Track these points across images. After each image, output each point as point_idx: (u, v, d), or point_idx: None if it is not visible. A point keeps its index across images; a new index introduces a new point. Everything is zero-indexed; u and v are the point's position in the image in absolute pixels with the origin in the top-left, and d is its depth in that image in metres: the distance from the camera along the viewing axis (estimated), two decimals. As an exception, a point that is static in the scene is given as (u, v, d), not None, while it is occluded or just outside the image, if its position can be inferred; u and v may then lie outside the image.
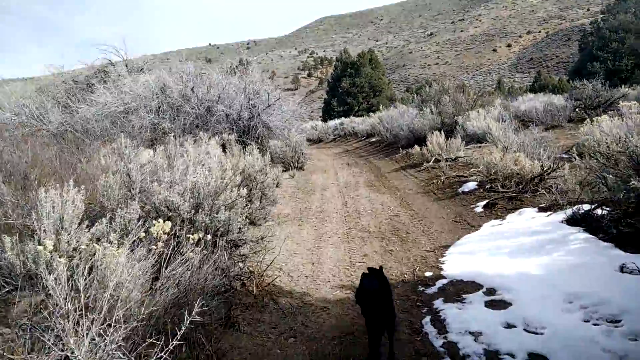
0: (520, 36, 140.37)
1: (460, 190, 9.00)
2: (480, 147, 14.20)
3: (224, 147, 15.66)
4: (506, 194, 7.80)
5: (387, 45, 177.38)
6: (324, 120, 45.26)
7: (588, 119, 7.38)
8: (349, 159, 18.91)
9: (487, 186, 8.40)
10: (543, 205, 6.83)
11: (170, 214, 4.98)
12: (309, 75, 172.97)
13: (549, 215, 6.27)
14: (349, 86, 46.27)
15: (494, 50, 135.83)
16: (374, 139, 24.32)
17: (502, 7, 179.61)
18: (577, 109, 16.72)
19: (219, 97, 17.57)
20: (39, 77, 23.80)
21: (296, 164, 15.90)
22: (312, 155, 20.74)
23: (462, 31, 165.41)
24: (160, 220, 3.74)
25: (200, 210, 5.20)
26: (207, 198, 5.37)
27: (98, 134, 16.08)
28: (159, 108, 17.54)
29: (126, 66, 22.15)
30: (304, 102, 46.55)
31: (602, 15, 46.70)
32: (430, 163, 12.83)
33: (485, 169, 8.97)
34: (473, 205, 7.87)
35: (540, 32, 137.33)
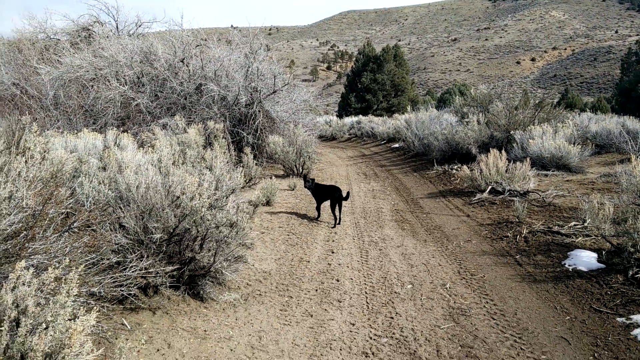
0: (545, 51, 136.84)
1: (567, 264, 5.22)
2: (547, 175, 10.46)
3: (209, 138, 12.11)
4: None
5: (410, 47, 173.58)
6: (340, 116, 41.35)
7: None
8: (367, 168, 15.15)
9: (631, 271, 4.60)
10: None
11: None
12: (328, 68, 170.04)
13: None
14: (369, 82, 42.29)
15: (518, 62, 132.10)
16: (395, 145, 20.53)
17: (529, 20, 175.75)
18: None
19: (214, 74, 13.87)
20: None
21: (300, 170, 12.23)
22: (322, 156, 17.09)
23: (486, 40, 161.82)
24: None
25: None
26: None
27: (49, 103, 12.61)
28: (139, 79, 13.91)
29: (117, 27, 18.59)
30: (320, 94, 42.93)
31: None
32: (485, 194, 9.09)
33: (608, 228, 5.26)
34: (622, 319, 3.95)
35: (566, 49, 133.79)
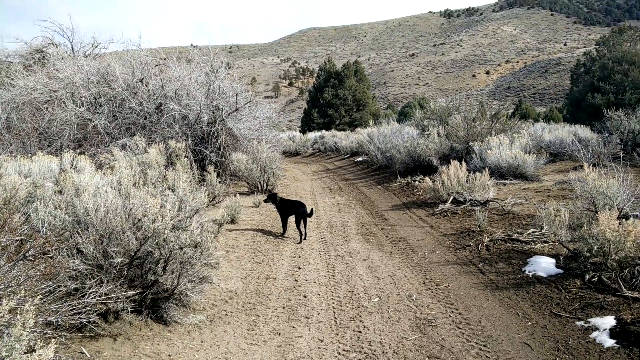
0: (499, 64, 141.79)
1: (527, 271, 5.38)
2: (505, 184, 10.78)
3: (171, 157, 11.91)
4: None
5: (369, 62, 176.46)
6: (303, 131, 41.49)
7: None
8: (331, 182, 15.23)
9: (587, 275, 4.79)
10: None
11: None
12: (290, 84, 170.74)
13: None
14: (331, 97, 42.70)
15: (473, 75, 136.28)
16: (359, 159, 20.73)
17: (482, 35, 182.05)
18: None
19: (175, 93, 13.69)
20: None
21: (265, 187, 12.17)
22: (286, 172, 17.04)
23: (442, 54, 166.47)
24: None
25: None
26: None
27: (1, 127, 12.15)
28: (96, 100, 13.57)
29: (72, 49, 18.12)
30: (283, 111, 43.00)
31: (596, 47, 44.70)
32: (448, 205, 9.28)
33: (565, 234, 5.46)
34: (581, 322, 4.10)
35: (518, 62, 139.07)
